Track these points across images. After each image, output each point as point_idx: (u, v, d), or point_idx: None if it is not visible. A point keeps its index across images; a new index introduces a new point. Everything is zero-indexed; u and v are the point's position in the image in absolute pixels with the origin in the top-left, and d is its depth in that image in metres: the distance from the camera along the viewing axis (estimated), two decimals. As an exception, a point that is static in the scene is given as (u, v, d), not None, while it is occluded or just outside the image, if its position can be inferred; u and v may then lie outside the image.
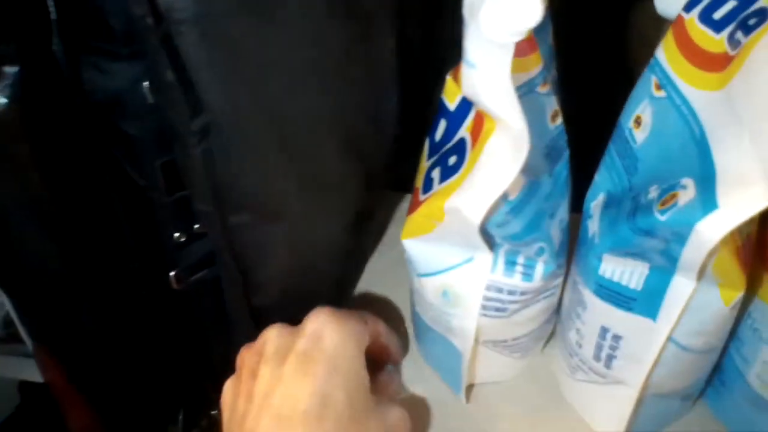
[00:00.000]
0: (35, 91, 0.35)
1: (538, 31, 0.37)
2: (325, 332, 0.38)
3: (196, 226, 0.42)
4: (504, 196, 0.35)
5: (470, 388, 0.48)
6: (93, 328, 0.49)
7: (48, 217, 0.40)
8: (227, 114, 0.32)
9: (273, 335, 0.39)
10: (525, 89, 0.36)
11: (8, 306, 0.61)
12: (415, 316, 0.47)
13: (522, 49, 0.35)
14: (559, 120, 0.40)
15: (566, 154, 0.40)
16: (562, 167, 0.40)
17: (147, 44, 0.29)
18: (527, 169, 0.36)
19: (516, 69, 0.31)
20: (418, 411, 0.47)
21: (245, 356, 0.40)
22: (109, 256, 0.45)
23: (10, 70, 0.34)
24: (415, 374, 0.50)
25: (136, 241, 0.45)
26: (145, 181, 0.40)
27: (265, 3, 0.30)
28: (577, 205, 0.42)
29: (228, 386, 0.40)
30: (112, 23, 0.33)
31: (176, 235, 0.42)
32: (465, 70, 0.31)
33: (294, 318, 0.44)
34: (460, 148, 0.37)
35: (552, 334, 0.49)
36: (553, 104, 0.39)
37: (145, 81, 0.33)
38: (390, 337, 0.46)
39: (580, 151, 0.41)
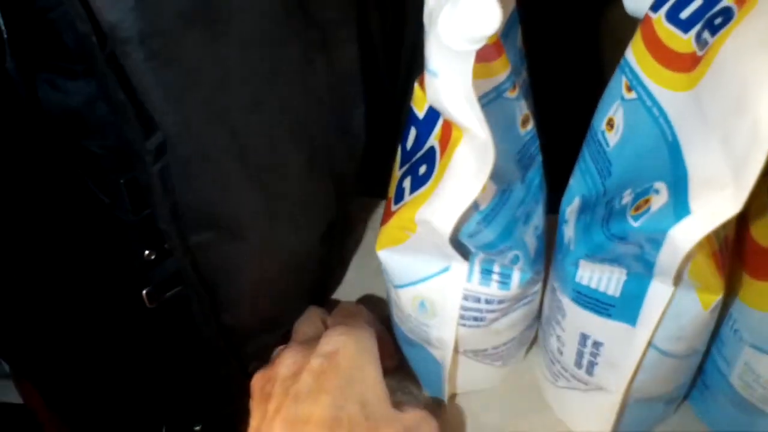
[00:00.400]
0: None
1: (504, 34, 0.36)
2: (340, 349, 0.38)
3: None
4: (475, 206, 0.34)
5: (453, 397, 0.48)
6: (66, 349, 0.48)
7: (8, 238, 0.39)
8: (182, 132, 0.31)
9: (286, 357, 0.39)
10: (492, 95, 0.35)
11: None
12: (394, 326, 0.46)
13: (487, 54, 0.34)
14: (531, 125, 0.39)
15: (539, 159, 0.40)
16: (535, 173, 0.39)
17: (96, 63, 0.28)
18: (498, 177, 0.35)
19: (481, 75, 0.30)
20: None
21: (258, 381, 0.39)
22: (77, 277, 0.44)
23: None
24: (397, 385, 0.49)
25: (106, 260, 0.44)
26: (110, 200, 0.39)
27: (214, 18, 0.29)
28: (556, 209, 0.41)
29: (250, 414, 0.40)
30: (66, 40, 0.32)
31: (146, 252, 0.41)
32: (428, 78, 0.30)
33: (266, 333, 0.43)
34: (429, 158, 0.36)
35: (534, 341, 0.48)
36: (523, 109, 0.38)
37: (101, 99, 0.32)
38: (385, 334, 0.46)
39: (557, 154, 0.41)
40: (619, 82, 0.36)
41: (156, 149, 0.30)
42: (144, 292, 0.42)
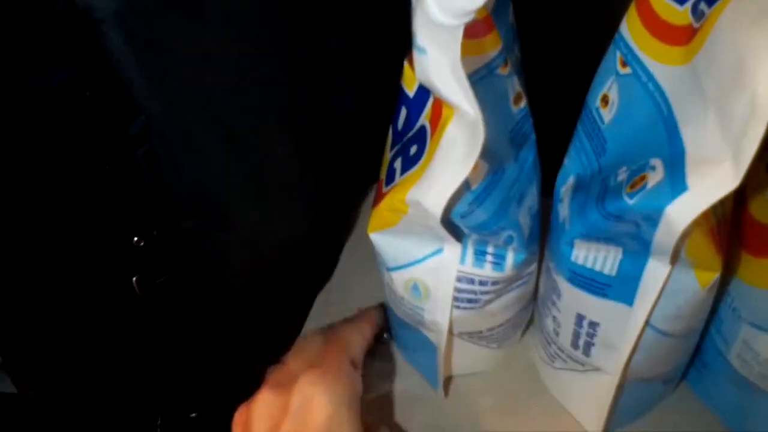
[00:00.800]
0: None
1: (495, 10, 0.35)
2: (314, 405, 0.36)
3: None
4: (466, 186, 0.33)
5: (449, 380, 0.47)
6: (58, 340, 0.48)
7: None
8: (166, 116, 0.30)
9: (259, 413, 0.37)
10: (483, 72, 0.34)
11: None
12: (388, 309, 0.46)
13: (476, 30, 0.33)
14: (523, 103, 0.38)
15: (532, 138, 0.39)
16: (528, 152, 0.38)
17: (76, 46, 0.27)
18: (490, 156, 0.34)
19: (471, 51, 0.29)
20: (397, 406, 0.46)
21: (238, 424, 0.38)
22: (67, 266, 0.44)
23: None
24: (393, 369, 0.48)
25: (95, 248, 0.44)
26: (97, 187, 0.38)
27: (193, -3, 0.28)
28: (550, 190, 0.40)
29: None
30: (45, 23, 0.31)
31: (135, 239, 0.40)
32: (416, 55, 0.29)
33: (260, 318, 0.42)
34: (420, 137, 0.35)
35: (530, 322, 0.48)
36: (515, 86, 0.37)
37: (82, 83, 0.31)
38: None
39: (551, 133, 0.40)
40: (613, 58, 0.35)
41: (139, 133, 0.30)
42: (134, 279, 0.42)
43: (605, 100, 0.36)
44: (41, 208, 0.40)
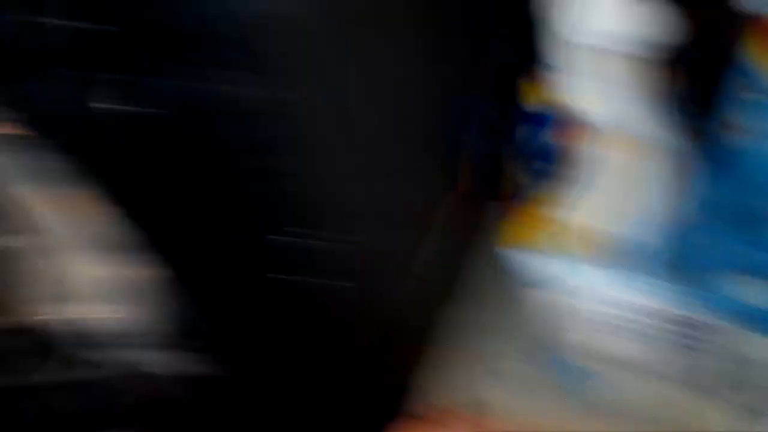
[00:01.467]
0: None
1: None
2: None
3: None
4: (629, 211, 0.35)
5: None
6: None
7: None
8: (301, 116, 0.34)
9: None
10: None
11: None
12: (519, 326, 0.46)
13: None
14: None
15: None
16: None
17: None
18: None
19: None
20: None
21: None
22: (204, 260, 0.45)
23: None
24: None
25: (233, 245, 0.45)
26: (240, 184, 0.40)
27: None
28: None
29: None
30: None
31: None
32: (563, 77, 0.32)
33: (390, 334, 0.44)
34: (548, 154, 0.37)
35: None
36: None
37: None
38: None
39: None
40: (736, 84, 0.36)
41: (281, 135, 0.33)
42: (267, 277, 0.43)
43: (734, 126, 0.36)
44: (183, 204, 0.43)
